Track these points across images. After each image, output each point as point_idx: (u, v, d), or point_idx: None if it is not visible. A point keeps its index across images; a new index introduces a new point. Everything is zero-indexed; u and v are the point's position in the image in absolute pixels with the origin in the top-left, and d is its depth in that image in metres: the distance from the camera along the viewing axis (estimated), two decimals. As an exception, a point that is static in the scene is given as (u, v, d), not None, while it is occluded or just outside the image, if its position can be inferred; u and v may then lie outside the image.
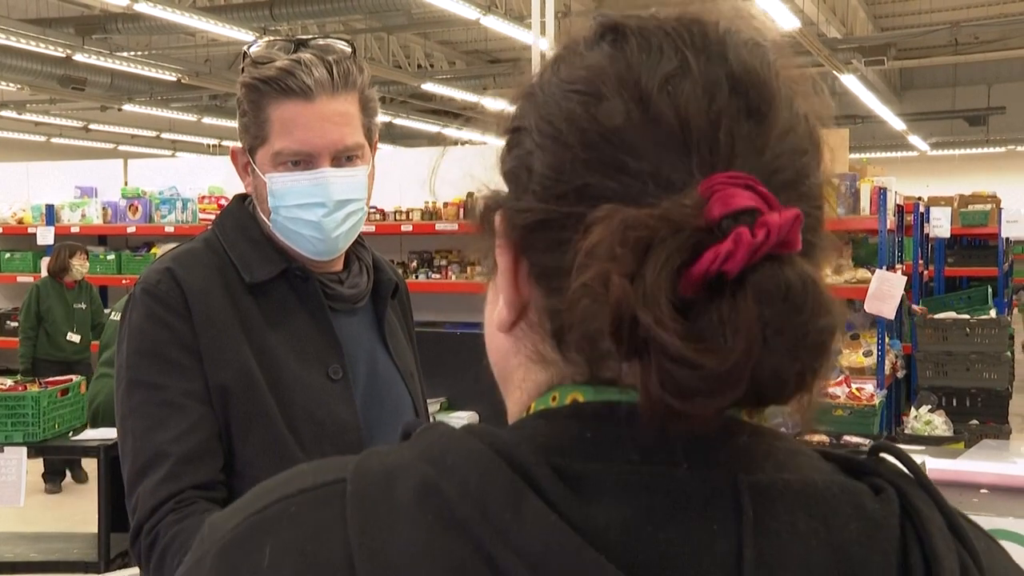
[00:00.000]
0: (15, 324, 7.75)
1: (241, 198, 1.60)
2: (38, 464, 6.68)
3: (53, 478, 6.97)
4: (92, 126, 20.57)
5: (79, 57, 13.50)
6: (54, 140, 21.66)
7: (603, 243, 0.48)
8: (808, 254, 0.52)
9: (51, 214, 7.73)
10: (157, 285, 1.46)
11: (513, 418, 0.60)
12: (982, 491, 1.90)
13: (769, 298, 0.48)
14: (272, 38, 1.57)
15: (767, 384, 0.48)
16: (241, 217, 1.56)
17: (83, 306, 7.02)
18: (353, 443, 1.47)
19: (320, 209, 1.48)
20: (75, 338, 6.96)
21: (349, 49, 1.51)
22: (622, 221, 0.48)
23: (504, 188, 0.59)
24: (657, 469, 0.51)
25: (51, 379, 4.65)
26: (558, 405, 0.55)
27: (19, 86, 15.17)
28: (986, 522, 1.76)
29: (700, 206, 0.49)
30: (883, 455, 0.57)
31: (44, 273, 7.52)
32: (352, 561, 0.50)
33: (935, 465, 2.04)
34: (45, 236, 7.68)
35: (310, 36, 1.52)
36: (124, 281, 7.00)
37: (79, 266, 6.94)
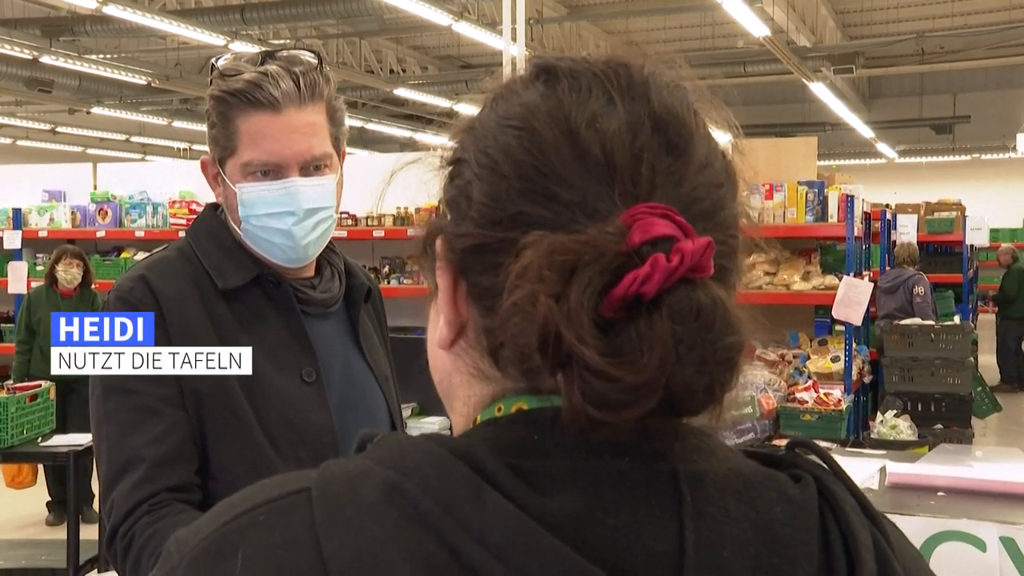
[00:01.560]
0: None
1: (213, 207, 1.62)
2: (42, 494, 6.33)
3: (58, 508, 6.24)
4: (60, 129, 20.37)
5: (46, 59, 13.36)
6: (20, 143, 21.41)
7: (532, 266, 0.53)
8: (722, 278, 0.57)
9: (18, 218, 7.64)
10: (131, 292, 1.48)
11: (459, 432, 0.63)
12: (939, 494, 1.94)
13: (682, 317, 0.52)
14: (243, 49, 1.60)
15: (679, 395, 0.53)
16: (213, 225, 1.59)
17: None
18: (328, 446, 1.50)
19: (290, 218, 1.51)
20: None
21: (315, 60, 1.53)
22: (549, 245, 0.53)
23: (446, 215, 0.63)
24: (603, 463, 0.55)
25: (19, 384, 4.61)
26: (503, 414, 0.59)
27: (-15, 88, 15.01)
28: (942, 524, 1.81)
29: (622, 233, 0.54)
30: (799, 450, 0.63)
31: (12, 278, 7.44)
32: (323, 561, 0.52)
33: (895, 469, 2.08)
34: (12, 240, 7.60)
35: (277, 48, 1.55)
36: (93, 286, 6.84)
37: (62, 272, 6.25)
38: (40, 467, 5.87)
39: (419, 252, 0.65)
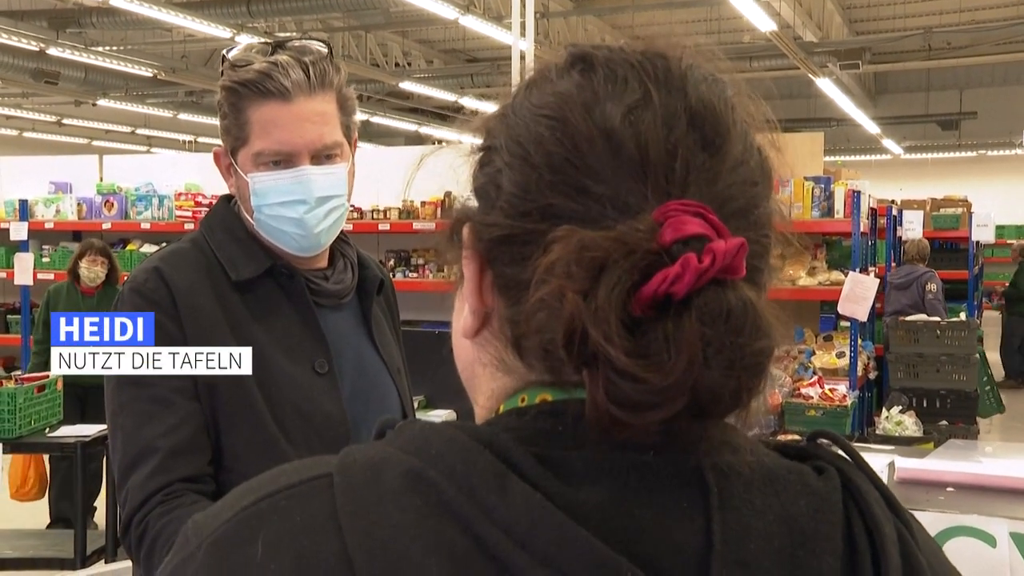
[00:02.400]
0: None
1: (227, 199, 1.63)
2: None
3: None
4: (66, 121, 20.38)
5: (53, 51, 13.37)
6: (26, 134, 21.43)
7: (561, 261, 0.52)
8: (754, 279, 0.56)
9: (24, 209, 7.64)
10: (145, 284, 1.48)
11: (481, 421, 0.63)
12: (948, 489, 1.94)
13: (711, 319, 0.51)
14: (252, 40, 1.60)
15: (705, 399, 0.52)
16: (227, 217, 1.59)
17: None
18: (340, 436, 1.50)
19: (302, 206, 1.51)
20: None
21: (325, 49, 1.54)
22: (579, 241, 0.52)
23: (474, 202, 0.62)
24: (629, 455, 0.54)
25: (27, 375, 4.62)
26: (527, 404, 0.59)
27: (-9, 79, 15.02)
28: (952, 519, 1.80)
29: (653, 231, 0.53)
30: (821, 441, 0.63)
31: (14, 270, 7.44)
32: (346, 549, 0.52)
33: (904, 464, 2.08)
34: (19, 231, 7.61)
35: (287, 38, 1.56)
36: (119, 284, 6.70)
37: (86, 269, 5.69)
38: (47, 478, 5.47)
39: (446, 239, 0.64)
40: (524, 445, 0.54)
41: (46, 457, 5.20)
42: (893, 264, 8.46)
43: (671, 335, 0.51)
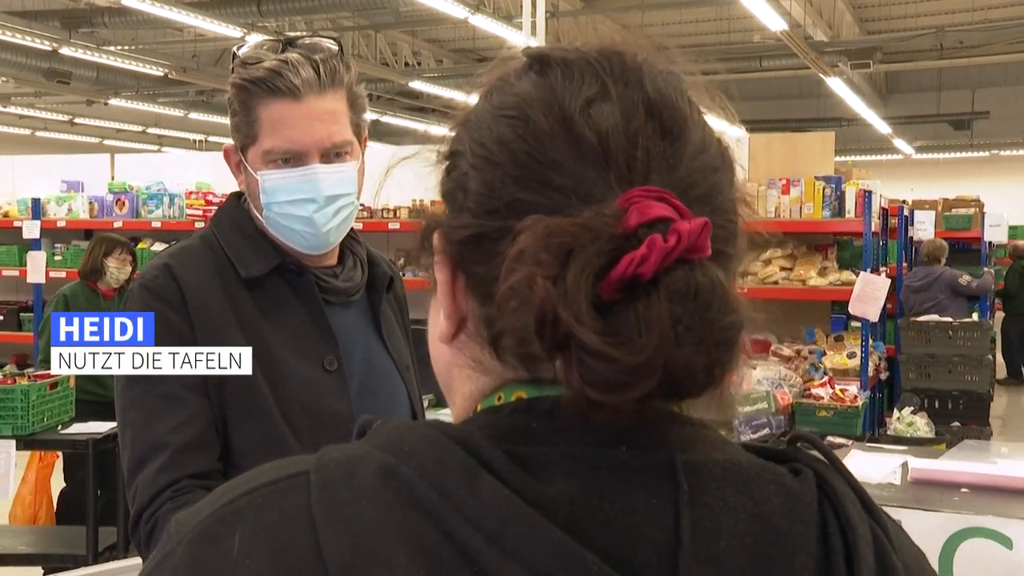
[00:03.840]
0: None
1: (237, 196, 1.63)
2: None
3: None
4: (78, 120, 20.47)
5: (65, 51, 13.43)
6: (39, 134, 21.53)
7: (529, 249, 0.53)
8: (721, 263, 0.57)
9: (37, 208, 7.66)
10: (154, 280, 1.49)
11: (458, 422, 0.63)
12: (963, 490, 1.93)
13: (680, 297, 0.52)
14: (263, 38, 1.61)
15: (678, 376, 0.53)
16: (236, 214, 1.59)
17: None
18: (348, 434, 1.49)
19: (311, 204, 1.51)
20: None
21: (336, 47, 1.55)
22: (546, 228, 0.53)
23: (443, 209, 0.63)
24: (600, 451, 0.55)
25: (40, 372, 4.63)
26: (503, 403, 0.60)
27: (4, 79, 15.07)
28: (966, 520, 1.79)
29: (618, 216, 0.54)
30: (800, 444, 0.63)
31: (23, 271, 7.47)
32: (319, 543, 0.53)
33: (917, 464, 2.06)
34: (31, 230, 7.63)
35: (297, 35, 1.56)
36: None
37: (115, 268, 5.16)
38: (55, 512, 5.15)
39: (417, 247, 0.65)
40: (497, 442, 0.55)
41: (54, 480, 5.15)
42: (904, 264, 8.41)
43: (641, 314, 0.51)
